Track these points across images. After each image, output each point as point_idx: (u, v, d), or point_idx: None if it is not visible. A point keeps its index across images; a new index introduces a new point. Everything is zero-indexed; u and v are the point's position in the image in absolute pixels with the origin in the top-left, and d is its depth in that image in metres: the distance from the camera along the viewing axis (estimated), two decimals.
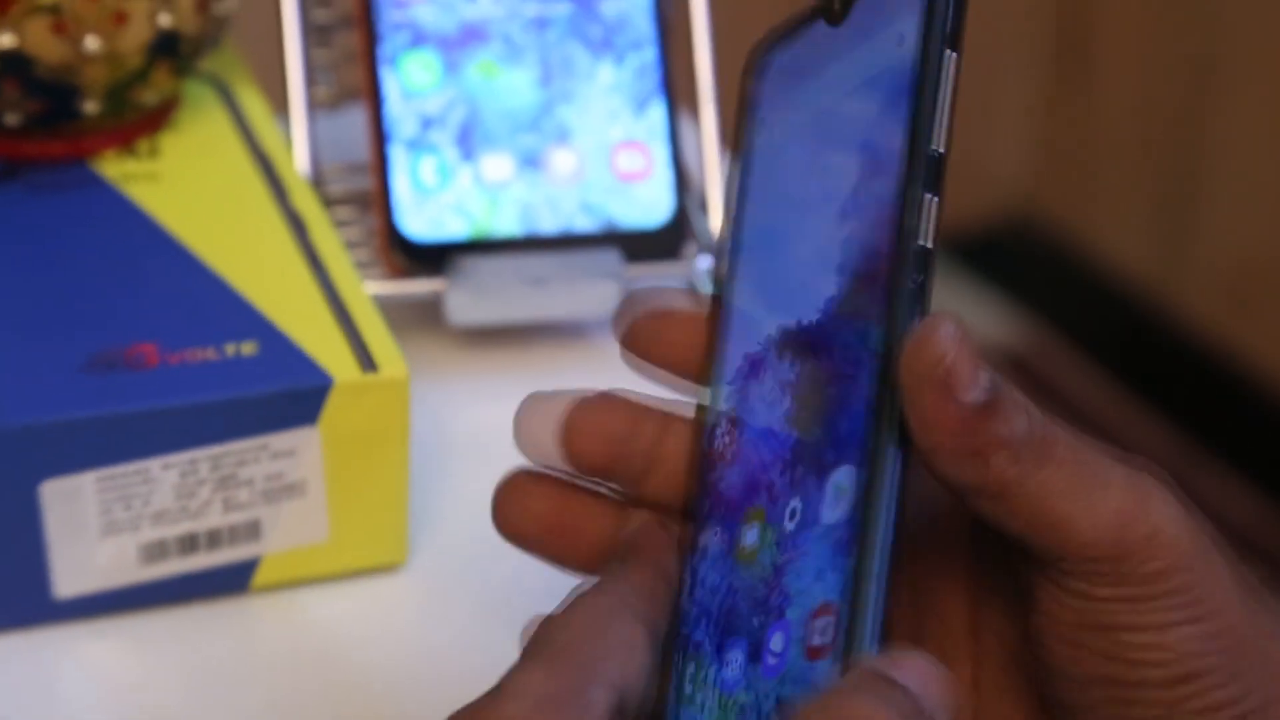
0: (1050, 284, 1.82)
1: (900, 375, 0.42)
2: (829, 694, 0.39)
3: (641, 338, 0.48)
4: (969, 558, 0.48)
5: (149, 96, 0.63)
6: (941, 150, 0.42)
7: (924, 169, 0.42)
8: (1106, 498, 0.43)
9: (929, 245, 0.42)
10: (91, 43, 0.60)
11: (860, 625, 0.41)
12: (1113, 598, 0.44)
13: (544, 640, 0.41)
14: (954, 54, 0.42)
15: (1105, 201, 1.80)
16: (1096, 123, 1.78)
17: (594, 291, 0.66)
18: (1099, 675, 0.44)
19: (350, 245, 0.66)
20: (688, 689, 0.44)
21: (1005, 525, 0.44)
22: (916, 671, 0.40)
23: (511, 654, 0.43)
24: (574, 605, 0.43)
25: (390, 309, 0.64)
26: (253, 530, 0.57)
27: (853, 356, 0.43)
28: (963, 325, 0.42)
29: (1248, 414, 1.70)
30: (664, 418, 0.47)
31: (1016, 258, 1.83)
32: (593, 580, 0.44)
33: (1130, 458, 0.45)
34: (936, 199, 0.42)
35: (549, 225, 0.67)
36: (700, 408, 0.46)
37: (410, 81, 0.67)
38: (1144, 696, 0.44)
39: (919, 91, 0.42)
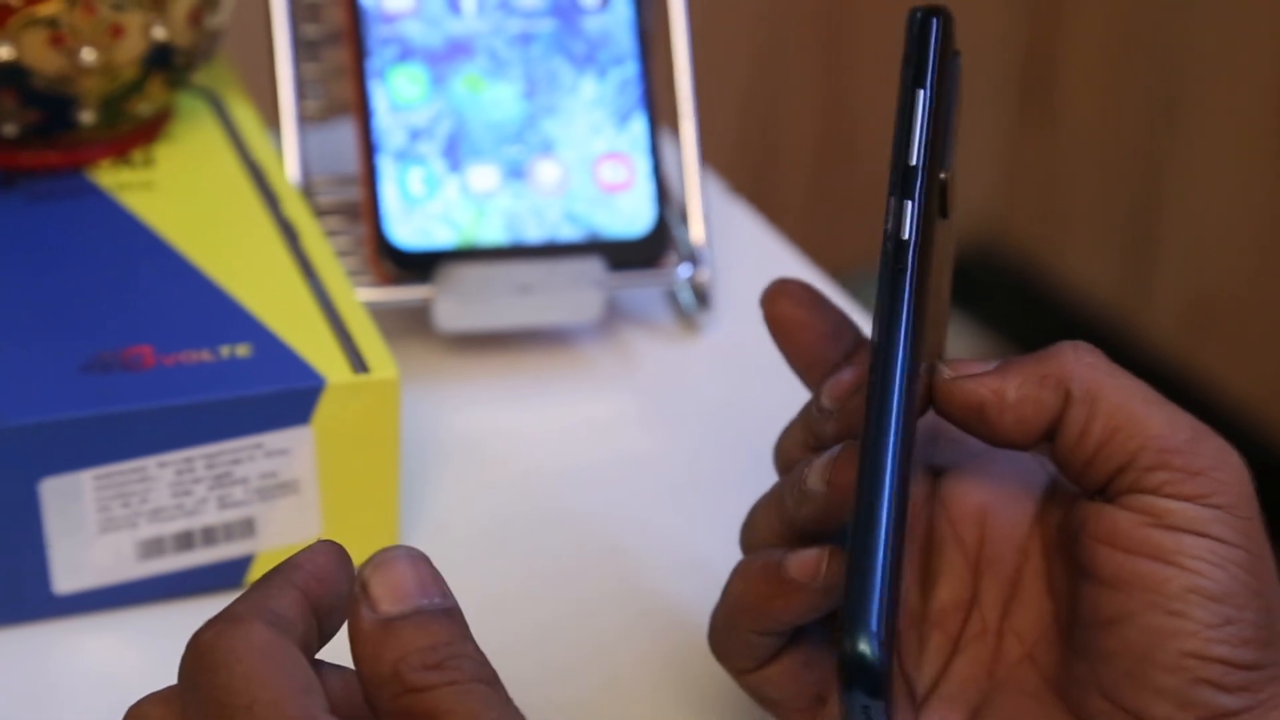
0: (1017, 309, 1.83)
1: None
2: None
3: (781, 326, 0.52)
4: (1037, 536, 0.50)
5: (143, 108, 0.63)
6: (913, 163, 0.48)
7: (897, 177, 0.48)
8: (1177, 411, 0.46)
9: (904, 237, 0.47)
10: (88, 55, 0.61)
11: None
12: (1184, 495, 0.45)
13: (236, 695, 0.40)
14: (921, 91, 0.49)
15: (1070, 230, 1.81)
16: (1062, 154, 1.79)
17: (578, 299, 0.67)
18: (1150, 578, 0.45)
19: (340, 254, 0.67)
20: None
21: (1085, 440, 0.46)
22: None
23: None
24: (242, 650, 0.40)
25: (380, 316, 0.64)
26: (247, 527, 0.57)
27: None
28: (949, 361, 0.48)
29: None
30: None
31: (985, 283, 1.84)
32: None
33: None
34: (909, 202, 0.48)
35: (534, 234, 0.68)
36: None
37: (398, 95, 0.68)
38: (1185, 611, 0.45)
39: (897, 117, 0.49)
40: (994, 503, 0.50)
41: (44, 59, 0.60)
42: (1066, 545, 0.48)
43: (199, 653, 0.41)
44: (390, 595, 0.40)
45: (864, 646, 0.43)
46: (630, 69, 0.69)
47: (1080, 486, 0.48)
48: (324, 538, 0.57)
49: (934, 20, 0.50)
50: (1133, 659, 0.45)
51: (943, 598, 0.50)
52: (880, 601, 0.43)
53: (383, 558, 0.41)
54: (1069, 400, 0.46)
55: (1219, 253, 1.69)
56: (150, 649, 0.56)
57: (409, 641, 0.40)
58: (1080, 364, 0.47)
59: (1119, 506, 0.46)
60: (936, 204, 0.49)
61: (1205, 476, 0.45)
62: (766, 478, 0.52)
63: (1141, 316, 1.76)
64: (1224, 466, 0.46)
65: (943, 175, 0.49)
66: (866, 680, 0.43)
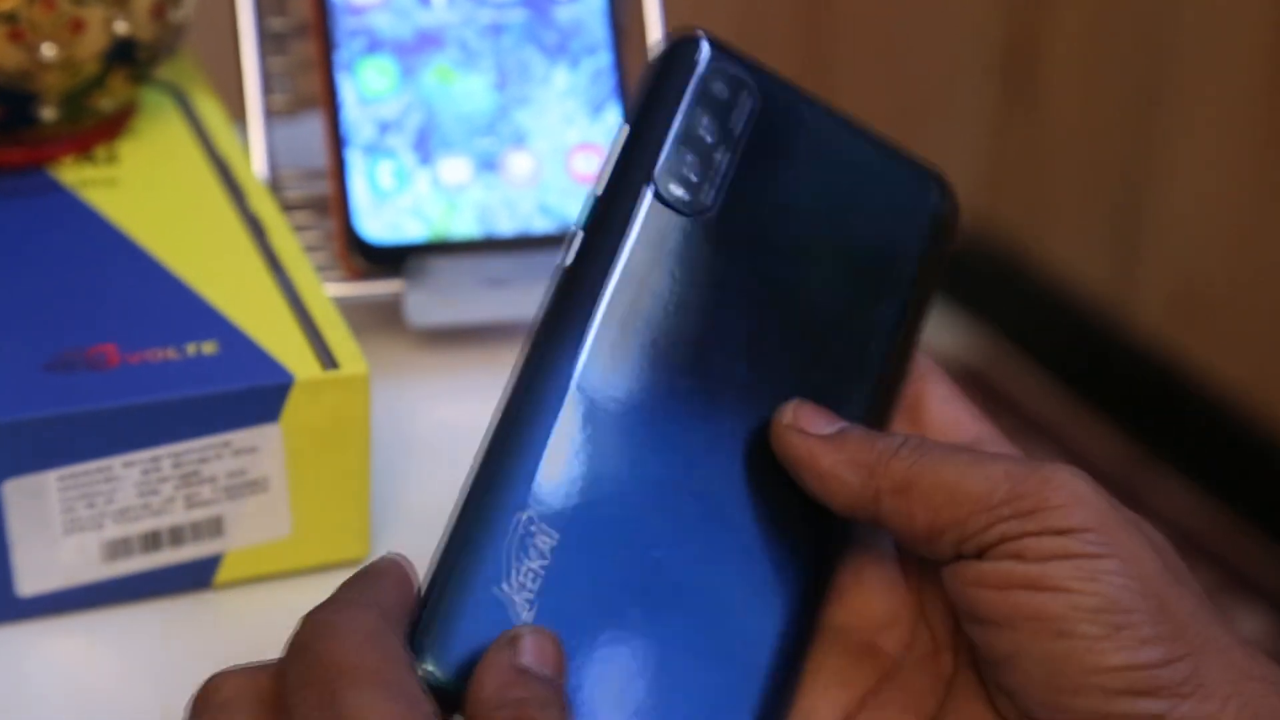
0: (1004, 299, 1.82)
1: (780, 454, 0.48)
2: None
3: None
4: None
5: (106, 103, 0.62)
6: (599, 193, 0.49)
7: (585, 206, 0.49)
8: (991, 465, 0.46)
9: (566, 263, 0.49)
10: (48, 50, 0.60)
11: None
12: (1029, 532, 0.45)
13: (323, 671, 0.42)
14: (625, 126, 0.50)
15: (1056, 219, 1.80)
16: (1046, 143, 1.79)
17: None
18: (1029, 609, 0.44)
19: (309, 249, 0.66)
20: None
21: (915, 523, 0.46)
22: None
23: None
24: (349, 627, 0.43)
25: (349, 311, 0.63)
26: (215, 527, 0.56)
27: None
28: (801, 405, 0.49)
29: (1193, 421, 1.71)
30: None
31: (971, 273, 1.83)
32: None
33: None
34: (581, 233, 0.49)
35: (507, 227, 0.66)
36: None
37: (367, 87, 0.67)
38: (1071, 630, 0.44)
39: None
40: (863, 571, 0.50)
41: (3, 55, 0.59)
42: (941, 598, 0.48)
43: (314, 624, 0.43)
44: (536, 657, 0.43)
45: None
46: (603, 59, 0.68)
47: (933, 559, 0.47)
48: (295, 535, 0.57)
49: (674, 50, 0.50)
50: (1041, 689, 0.44)
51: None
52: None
53: (540, 634, 0.44)
54: (879, 494, 0.47)
55: (1204, 241, 1.69)
56: (118, 650, 0.56)
57: (534, 689, 0.42)
58: (897, 457, 0.47)
59: (978, 559, 0.46)
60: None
61: (1042, 512, 0.45)
62: None
63: (1127, 305, 1.75)
64: (1056, 494, 0.45)
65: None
66: None
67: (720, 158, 0.50)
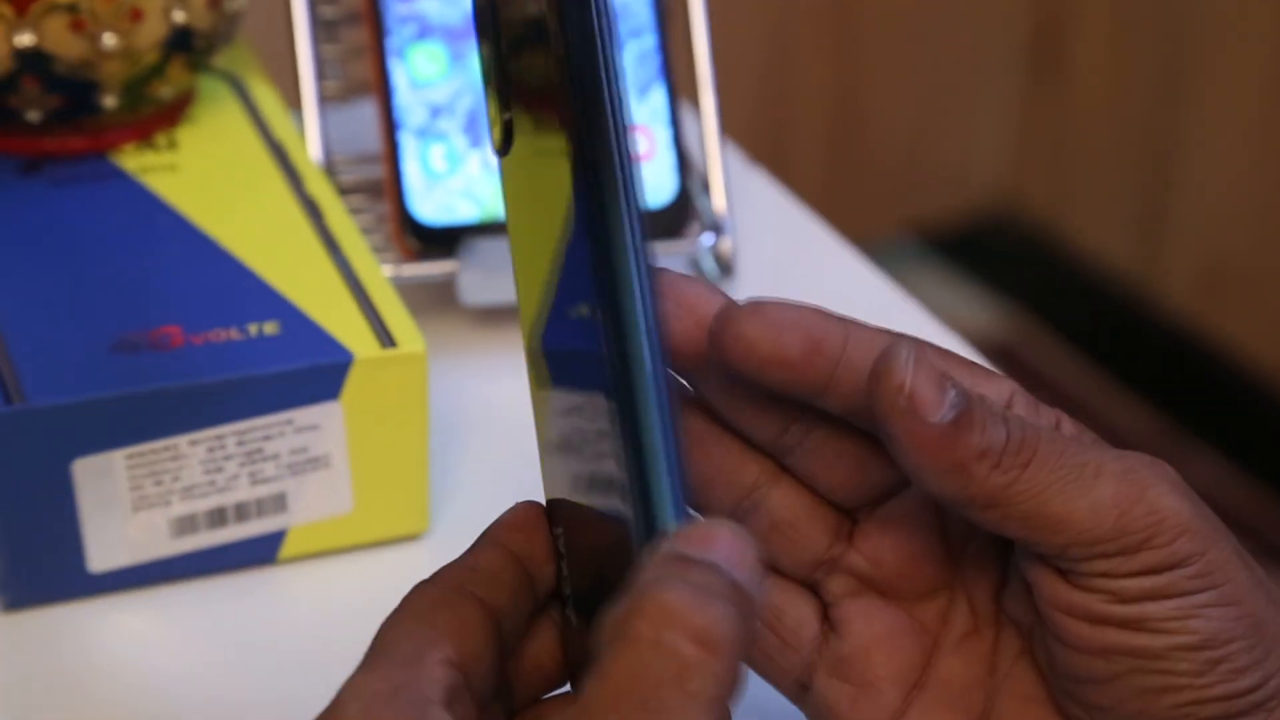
0: (1032, 276, 1.82)
1: (874, 409, 0.42)
2: (636, 591, 0.37)
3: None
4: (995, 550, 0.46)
5: (165, 91, 0.62)
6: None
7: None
8: (1099, 487, 0.42)
9: None
10: (109, 39, 0.60)
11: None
12: (1131, 572, 0.42)
13: (378, 641, 0.41)
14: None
15: (1084, 197, 1.80)
16: (1074, 122, 1.78)
17: None
18: (1126, 648, 0.42)
19: (364, 231, 0.66)
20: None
21: (1005, 531, 0.43)
22: (721, 543, 0.38)
23: None
24: (403, 602, 0.42)
25: (405, 291, 0.63)
26: (279, 503, 0.56)
27: None
28: (918, 346, 0.42)
29: (1221, 396, 1.70)
30: (844, 324, 0.44)
31: (1000, 252, 1.83)
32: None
33: (1125, 452, 0.44)
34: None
35: None
36: None
37: (418, 72, 0.67)
38: (1171, 669, 0.42)
39: None
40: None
41: (65, 44, 0.60)
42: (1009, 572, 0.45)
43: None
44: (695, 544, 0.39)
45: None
46: (649, 41, 0.68)
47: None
48: (356, 511, 0.57)
49: None
50: (1127, 713, 0.43)
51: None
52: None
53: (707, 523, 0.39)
54: (973, 504, 0.42)
55: (1231, 218, 1.68)
56: (185, 625, 0.56)
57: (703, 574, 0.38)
58: (999, 471, 0.42)
59: (1069, 583, 0.43)
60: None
61: (1145, 551, 0.42)
62: None
63: (1155, 283, 1.74)
64: (1164, 531, 0.42)
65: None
66: None
67: (494, 86, 0.44)
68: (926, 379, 0.41)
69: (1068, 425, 0.45)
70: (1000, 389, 0.45)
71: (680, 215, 0.67)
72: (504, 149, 0.44)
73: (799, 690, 0.46)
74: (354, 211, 0.67)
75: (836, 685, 0.46)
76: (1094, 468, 0.42)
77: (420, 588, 0.42)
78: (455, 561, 0.43)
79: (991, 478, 0.42)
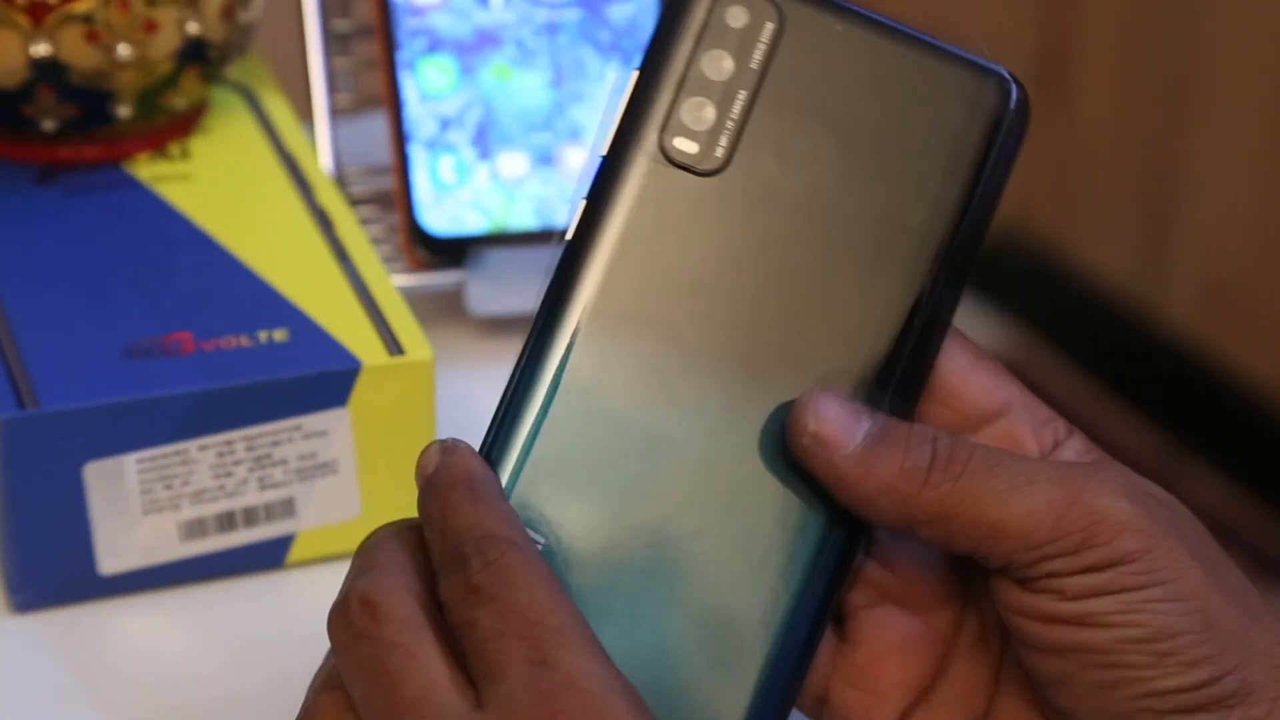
0: (1038, 295, 1.82)
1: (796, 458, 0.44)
2: None
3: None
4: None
5: (179, 101, 0.63)
6: (602, 154, 0.44)
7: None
8: (1035, 493, 0.43)
9: (566, 237, 0.44)
10: (123, 50, 0.60)
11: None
12: (1074, 570, 0.43)
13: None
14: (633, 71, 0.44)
15: (1087, 216, 1.80)
16: (1077, 142, 1.78)
17: None
18: (1075, 643, 0.43)
19: (374, 241, 0.66)
20: None
21: (955, 546, 0.44)
22: None
23: None
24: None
25: (413, 300, 0.64)
26: (287, 508, 0.57)
27: None
28: (825, 389, 0.43)
29: (1222, 413, 1.70)
30: None
31: (1006, 270, 1.83)
32: None
33: (1070, 462, 0.45)
34: (583, 202, 0.44)
35: (563, 219, 0.67)
36: None
37: (428, 85, 0.67)
38: (1119, 662, 0.43)
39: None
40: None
41: (81, 55, 0.60)
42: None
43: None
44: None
45: None
46: None
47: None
48: (364, 516, 0.57)
49: None
50: (1090, 713, 0.43)
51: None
52: None
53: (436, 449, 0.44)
54: (915, 524, 0.43)
55: (1232, 239, 1.68)
56: (194, 628, 0.56)
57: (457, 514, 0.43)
58: (929, 486, 0.43)
59: (1022, 587, 0.44)
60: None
61: (1086, 550, 0.43)
62: None
63: (1158, 301, 1.74)
64: (1101, 531, 0.42)
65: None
66: None
67: (735, 100, 0.43)
68: (834, 416, 0.43)
69: (1079, 442, 0.46)
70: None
71: None
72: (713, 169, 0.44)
73: (817, 704, 0.47)
74: (364, 222, 0.67)
75: (851, 694, 0.46)
76: (1028, 475, 0.43)
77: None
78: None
79: (924, 493, 0.43)
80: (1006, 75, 0.46)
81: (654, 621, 0.43)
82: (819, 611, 0.44)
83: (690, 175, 0.43)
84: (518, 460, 0.43)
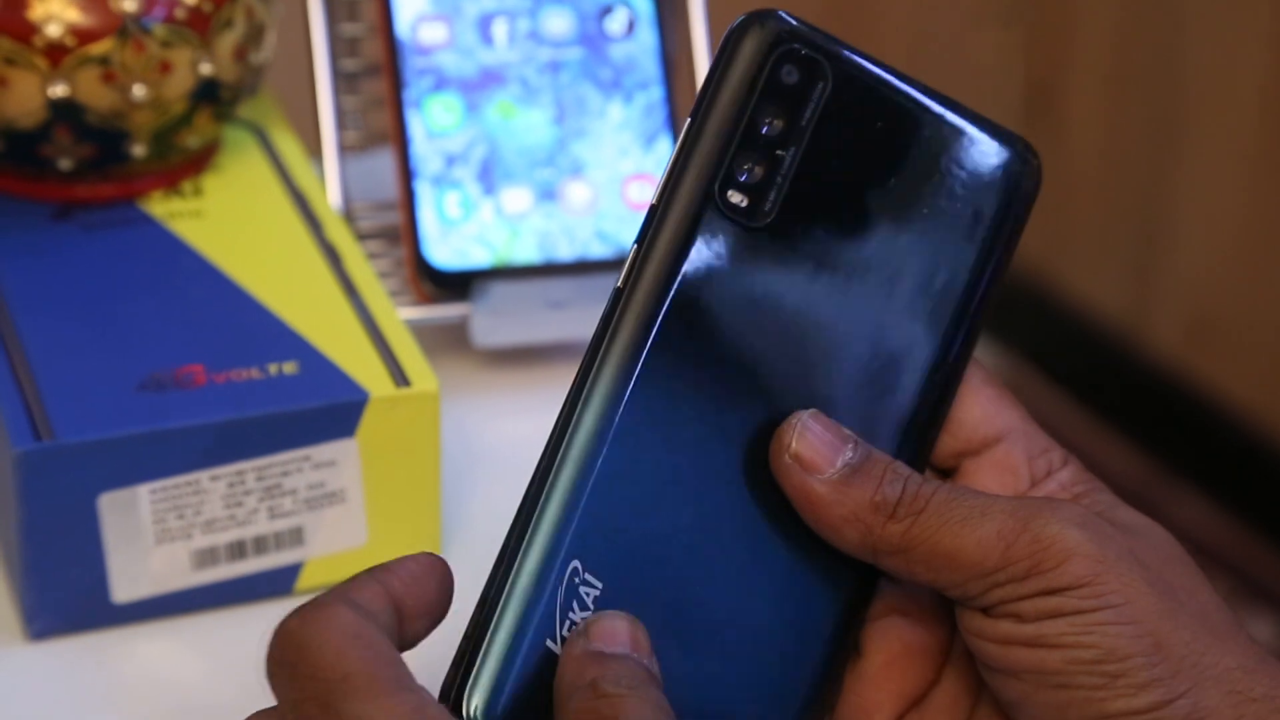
0: (1028, 324, 1.82)
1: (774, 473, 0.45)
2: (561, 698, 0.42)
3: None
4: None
5: (192, 140, 0.63)
6: (654, 203, 0.45)
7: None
8: (986, 524, 0.44)
9: (618, 285, 0.45)
10: (138, 91, 0.60)
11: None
12: (1025, 595, 0.44)
13: (343, 671, 0.40)
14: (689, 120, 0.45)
15: (1076, 247, 1.80)
16: (1066, 173, 1.79)
17: None
18: (1029, 664, 0.44)
19: (381, 275, 0.67)
20: None
21: (915, 577, 0.45)
22: (624, 635, 0.42)
23: None
24: (326, 628, 0.41)
25: (419, 333, 0.64)
26: (296, 536, 0.57)
27: None
28: (813, 416, 0.45)
29: (1207, 441, 1.70)
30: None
31: (998, 301, 1.83)
32: None
33: (1027, 496, 0.46)
34: (636, 246, 0.45)
35: (566, 252, 0.67)
36: None
37: (434, 122, 0.67)
38: (1070, 682, 0.43)
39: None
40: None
41: (97, 96, 0.60)
42: None
43: (285, 637, 0.41)
44: (605, 639, 0.42)
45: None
46: (655, 93, 0.69)
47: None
48: (371, 544, 0.57)
49: (743, 31, 0.44)
50: None
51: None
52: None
53: (608, 616, 0.43)
54: (878, 554, 0.45)
55: (1218, 270, 1.69)
56: (205, 654, 0.56)
57: (610, 667, 0.42)
58: (894, 520, 0.44)
59: (981, 613, 0.45)
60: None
61: (1036, 576, 0.43)
62: None
63: (1144, 332, 1.75)
64: (1048, 556, 0.43)
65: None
66: None
67: (786, 156, 0.44)
68: (818, 440, 0.45)
69: (1070, 473, 0.47)
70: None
71: None
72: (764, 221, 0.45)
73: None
74: (371, 256, 0.67)
75: (854, 701, 0.47)
76: (983, 508, 0.44)
77: (334, 615, 0.41)
78: (337, 591, 0.42)
79: (888, 526, 0.44)
80: (1029, 145, 0.47)
81: (702, 657, 0.44)
82: (844, 641, 0.46)
83: (741, 227, 0.44)
84: (570, 504, 0.43)
